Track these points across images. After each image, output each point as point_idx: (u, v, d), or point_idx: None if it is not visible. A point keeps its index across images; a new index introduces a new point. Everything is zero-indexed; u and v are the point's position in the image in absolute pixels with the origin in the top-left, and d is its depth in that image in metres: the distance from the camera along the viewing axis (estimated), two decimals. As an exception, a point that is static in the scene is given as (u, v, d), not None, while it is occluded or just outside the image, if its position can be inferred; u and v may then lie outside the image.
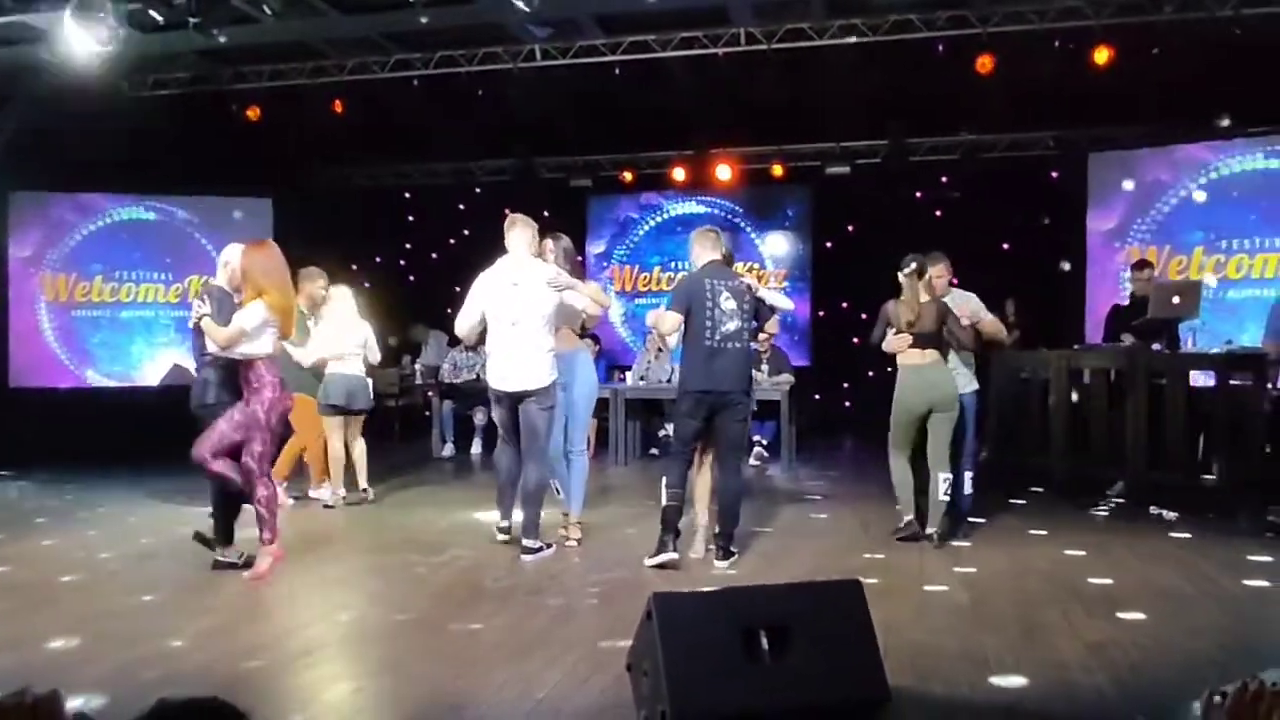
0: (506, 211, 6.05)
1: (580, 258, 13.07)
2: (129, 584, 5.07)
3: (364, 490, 7.62)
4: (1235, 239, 9.79)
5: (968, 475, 6.16)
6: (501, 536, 5.96)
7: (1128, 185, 10.53)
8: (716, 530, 5.54)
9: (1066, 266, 10.81)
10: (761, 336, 9.53)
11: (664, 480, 5.47)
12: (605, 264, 13.42)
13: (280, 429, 5.42)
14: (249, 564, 5.23)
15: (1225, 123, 9.84)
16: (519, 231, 5.80)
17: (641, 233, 13.39)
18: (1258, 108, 9.60)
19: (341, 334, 7.58)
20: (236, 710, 1.39)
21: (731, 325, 5.37)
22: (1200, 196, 10.02)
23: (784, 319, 11.56)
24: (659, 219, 13.35)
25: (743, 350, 5.42)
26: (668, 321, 5.52)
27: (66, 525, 6.71)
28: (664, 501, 5.38)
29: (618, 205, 13.55)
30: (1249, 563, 5.46)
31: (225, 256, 5.44)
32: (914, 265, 5.99)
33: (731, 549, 5.49)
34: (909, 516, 5.99)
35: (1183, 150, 10.17)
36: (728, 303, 5.37)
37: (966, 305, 6.36)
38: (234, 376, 5.25)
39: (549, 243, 6.13)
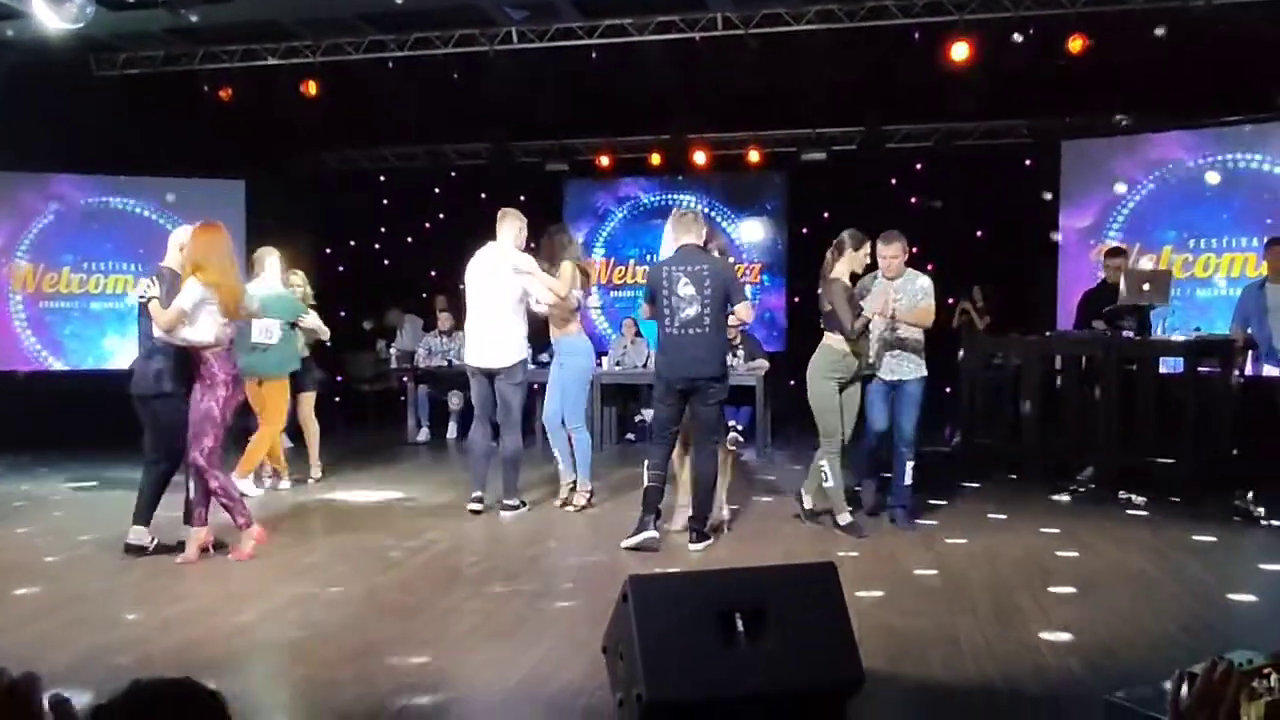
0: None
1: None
2: (97, 569, 5.03)
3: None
4: (1205, 238, 9.87)
5: (908, 466, 5.98)
6: (474, 506, 6.19)
7: (1100, 177, 10.59)
8: (690, 514, 5.56)
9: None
10: (732, 321, 9.58)
11: (646, 462, 5.56)
12: (583, 255, 13.36)
13: (233, 423, 5.36)
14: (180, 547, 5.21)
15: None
16: (508, 224, 6.37)
17: (617, 225, 13.32)
18: (1233, 99, 9.66)
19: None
20: (210, 692, 1.38)
21: (690, 311, 5.35)
22: (1172, 193, 10.09)
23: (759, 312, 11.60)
24: (635, 211, 13.29)
25: (705, 335, 5.37)
26: (642, 314, 5.80)
27: (35, 511, 6.62)
28: (645, 483, 5.47)
29: (595, 195, 13.46)
30: (1216, 547, 5.54)
31: (180, 238, 5.35)
32: (840, 238, 5.94)
33: (705, 531, 5.51)
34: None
35: (1158, 149, 10.23)
36: (685, 289, 5.36)
37: (911, 285, 6.14)
38: (183, 364, 5.18)
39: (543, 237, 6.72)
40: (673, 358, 5.40)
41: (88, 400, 9.94)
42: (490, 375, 6.25)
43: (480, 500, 6.25)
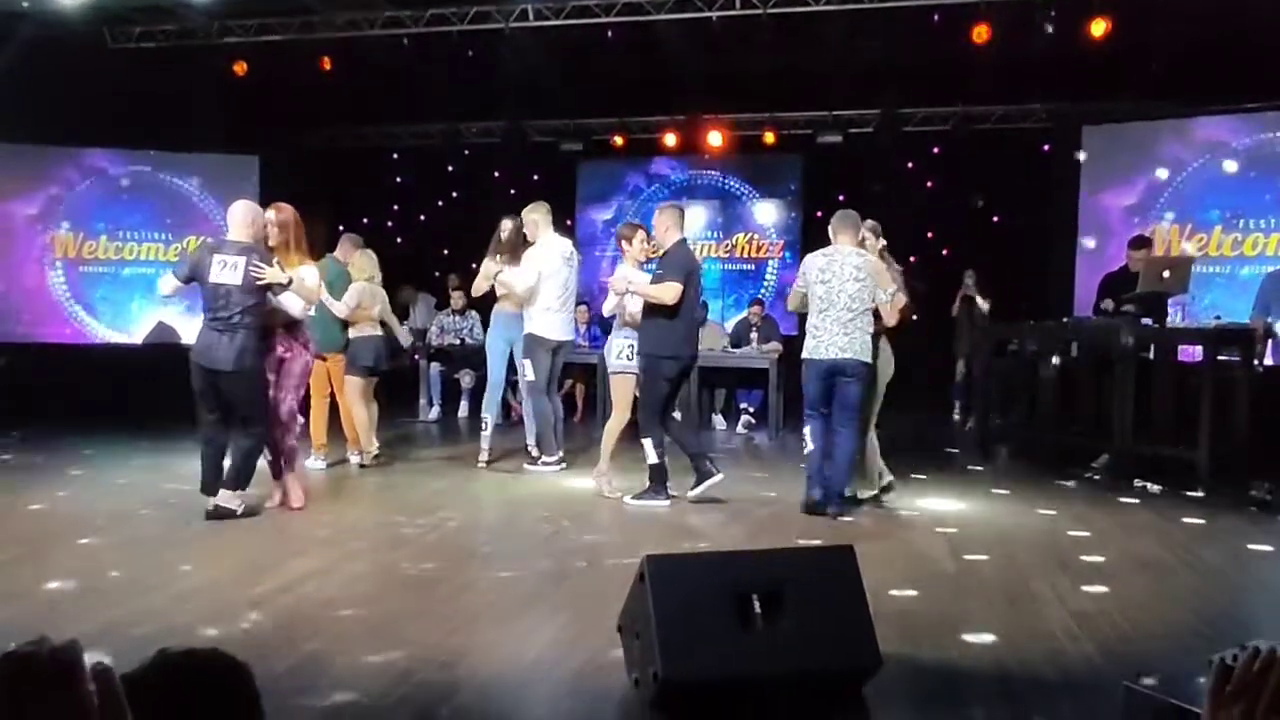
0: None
1: (570, 222, 13.05)
2: (112, 541, 5.04)
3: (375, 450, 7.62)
4: (1252, 218, 9.87)
5: None
6: (563, 465, 7.21)
7: (1124, 162, 10.54)
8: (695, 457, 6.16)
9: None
10: (754, 309, 10.00)
11: (649, 442, 6.05)
12: (612, 231, 13.36)
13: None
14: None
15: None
16: (547, 216, 7.19)
17: (653, 203, 13.27)
18: (1257, 81, 9.54)
19: (374, 294, 7.57)
20: (236, 662, 1.37)
21: (702, 297, 6.32)
22: (1226, 168, 10.06)
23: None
24: (669, 189, 13.24)
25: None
26: (673, 291, 5.86)
27: (53, 483, 6.63)
28: (654, 460, 6.06)
29: (624, 174, 13.44)
30: (1232, 536, 5.51)
31: (252, 214, 5.50)
32: (873, 224, 6.16)
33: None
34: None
35: (1202, 129, 10.20)
36: (702, 278, 6.25)
37: None
38: (264, 338, 5.49)
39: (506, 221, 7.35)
40: (695, 339, 6.20)
41: (114, 369, 10.14)
42: (559, 348, 7.14)
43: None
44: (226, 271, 5.29)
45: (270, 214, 5.64)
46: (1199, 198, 10.15)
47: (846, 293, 5.66)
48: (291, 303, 5.49)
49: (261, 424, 5.48)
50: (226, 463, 5.48)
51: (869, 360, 5.74)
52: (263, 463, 5.67)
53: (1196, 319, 8.48)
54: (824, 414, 5.85)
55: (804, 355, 5.85)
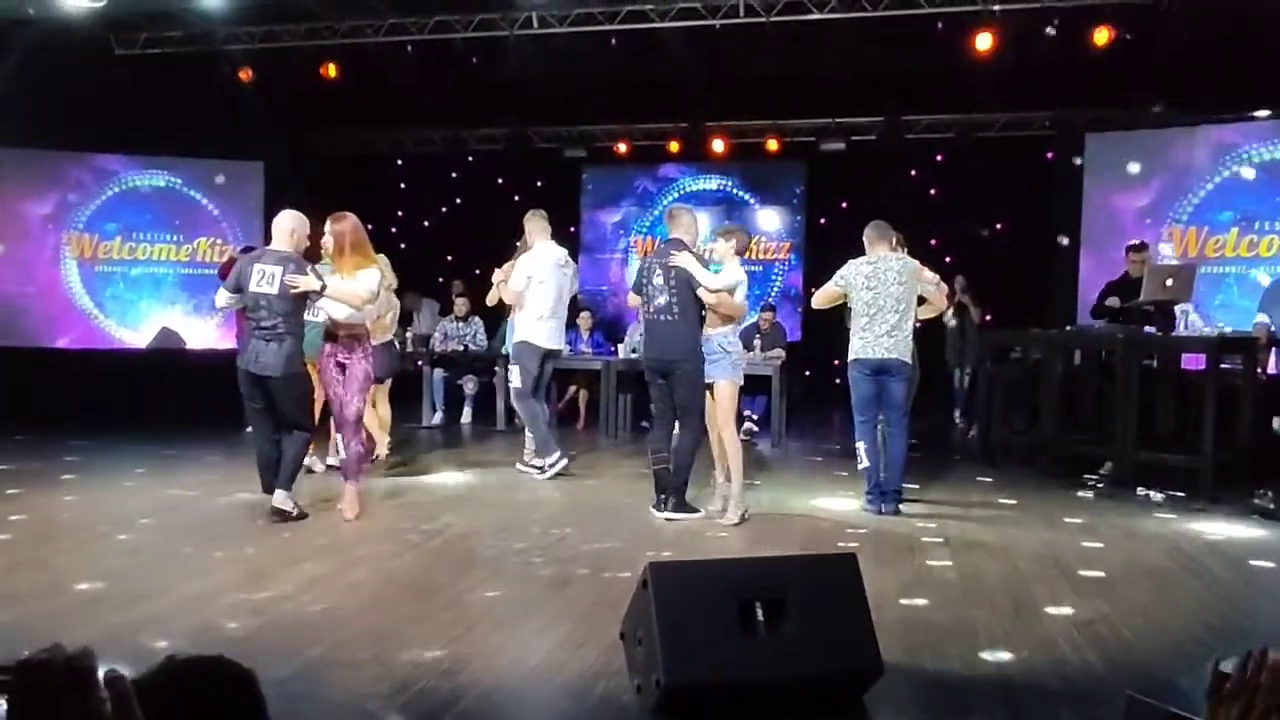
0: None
1: (574, 228, 13.07)
2: (118, 548, 5.05)
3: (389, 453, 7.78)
4: (1267, 220, 9.94)
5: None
6: (564, 464, 7.13)
7: (1133, 168, 10.57)
8: (661, 483, 5.92)
9: (1064, 240, 10.83)
10: (765, 315, 10.00)
11: (649, 446, 6.04)
12: (622, 233, 13.41)
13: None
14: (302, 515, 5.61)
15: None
16: (543, 224, 7.25)
17: (660, 205, 13.30)
18: (1263, 89, 9.55)
19: (389, 302, 7.59)
20: (242, 668, 1.38)
21: (661, 299, 5.89)
22: (1238, 173, 10.12)
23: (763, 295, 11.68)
24: (677, 192, 13.29)
25: (675, 322, 5.85)
26: (629, 301, 6.39)
27: (57, 488, 6.65)
28: (651, 466, 5.97)
29: (633, 177, 13.48)
30: (1235, 544, 5.50)
31: (291, 223, 5.60)
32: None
33: (671, 500, 5.87)
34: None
35: (1209, 135, 10.25)
36: (657, 279, 5.92)
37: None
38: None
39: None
40: (648, 341, 6.04)
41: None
42: (548, 356, 7.23)
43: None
44: (264, 281, 5.45)
45: (328, 223, 5.79)
46: (1211, 202, 10.21)
47: (892, 296, 6.01)
48: (333, 308, 5.66)
49: (308, 426, 5.71)
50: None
51: (910, 360, 6.08)
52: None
53: (1209, 318, 8.51)
54: (875, 421, 6.09)
55: (851, 357, 6.13)
